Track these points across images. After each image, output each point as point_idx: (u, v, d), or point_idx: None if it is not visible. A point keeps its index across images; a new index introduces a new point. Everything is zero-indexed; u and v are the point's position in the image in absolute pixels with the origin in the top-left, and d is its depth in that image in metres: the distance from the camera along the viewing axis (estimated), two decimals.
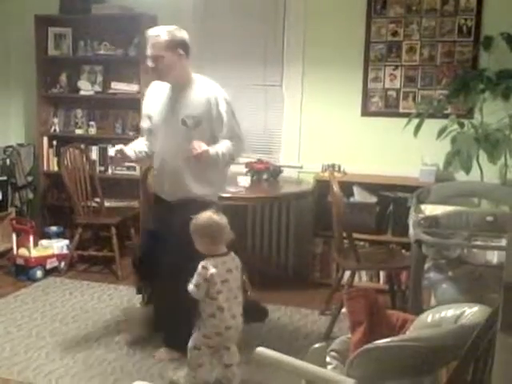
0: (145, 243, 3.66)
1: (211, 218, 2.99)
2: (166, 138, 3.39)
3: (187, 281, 2.94)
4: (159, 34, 3.27)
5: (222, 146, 3.29)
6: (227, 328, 2.98)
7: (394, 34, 4.60)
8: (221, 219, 3.00)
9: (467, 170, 3.86)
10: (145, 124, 3.54)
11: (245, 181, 4.38)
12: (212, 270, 2.92)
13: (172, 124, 3.35)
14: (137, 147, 3.54)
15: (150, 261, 3.46)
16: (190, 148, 3.17)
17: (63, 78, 5.29)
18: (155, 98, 3.48)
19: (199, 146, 3.16)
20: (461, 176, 4.13)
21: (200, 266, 2.93)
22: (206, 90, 3.36)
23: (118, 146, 3.42)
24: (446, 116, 4.21)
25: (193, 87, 3.38)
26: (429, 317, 2.14)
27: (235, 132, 3.37)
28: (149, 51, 3.28)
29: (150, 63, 3.30)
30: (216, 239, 2.99)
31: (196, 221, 2.99)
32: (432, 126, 4.06)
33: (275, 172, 4.66)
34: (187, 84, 3.38)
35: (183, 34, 3.34)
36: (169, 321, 3.42)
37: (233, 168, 4.78)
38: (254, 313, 4.06)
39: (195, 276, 2.93)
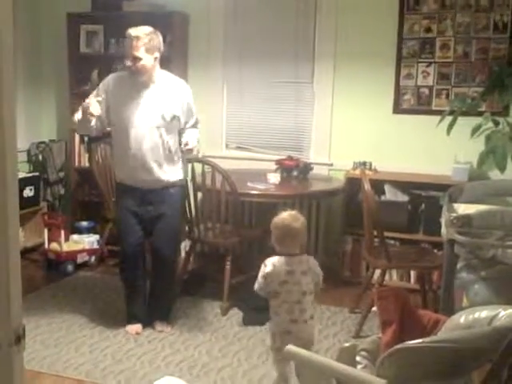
0: (130, 231, 3.69)
1: (291, 223, 2.88)
2: (142, 132, 3.55)
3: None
4: (141, 33, 3.47)
5: (195, 134, 3.71)
6: (286, 332, 2.84)
7: (428, 30, 4.53)
8: (301, 223, 2.91)
9: (502, 169, 3.78)
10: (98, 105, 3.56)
11: (274, 178, 4.37)
12: (268, 269, 2.85)
13: (149, 119, 3.55)
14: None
15: (139, 245, 3.72)
16: (181, 144, 3.60)
17: (94, 75, 5.32)
18: (119, 91, 3.60)
19: (188, 142, 3.57)
20: (495, 175, 4.06)
21: (263, 263, 2.89)
22: (176, 85, 3.68)
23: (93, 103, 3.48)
24: (480, 114, 4.13)
25: (164, 84, 3.63)
26: (462, 318, 2.10)
27: (197, 120, 3.80)
28: (130, 51, 3.47)
29: (129, 62, 3.51)
30: (286, 241, 2.88)
31: (278, 219, 2.91)
32: (466, 123, 3.98)
33: (305, 169, 4.63)
34: (159, 81, 3.63)
35: (160, 38, 3.58)
36: (165, 298, 3.84)
37: (263, 165, 4.82)
38: None
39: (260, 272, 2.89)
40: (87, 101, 3.51)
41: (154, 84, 3.61)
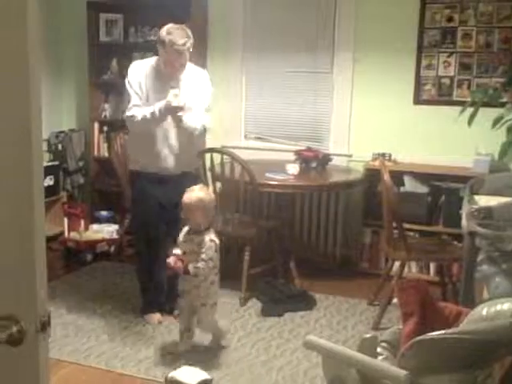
0: (151, 217, 3.68)
1: (211, 193, 3.35)
2: (170, 119, 3.52)
3: None
4: (186, 42, 3.40)
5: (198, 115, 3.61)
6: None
7: (449, 19, 4.47)
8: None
9: None
10: (139, 101, 3.54)
11: (293, 168, 4.35)
12: (217, 241, 3.20)
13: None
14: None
15: (158, 231, 3.70)
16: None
17: (114, 64, 5.34)
18: (145, 79, 3.55)
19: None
20: None
21: (208, 240, 3.15)
22: (197, 74, 3.69)
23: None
24: (502, 105, 4.08)
25: (188, 73, 3.60)
26: (484, 310, 2.08)
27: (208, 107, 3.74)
28: (175, 61, 3.43)
29: (171, 68, 3.47)
30: (212, 213, 3.30)
31: (202, 195, 3.21)
32: (487, 114, 3.93)
33: (324, 160, 4.61)
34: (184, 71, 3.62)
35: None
36: (172, 287, 3.74)
37: (281, 155, 4.81)
38: (301, 301, 4.05)
39: (206, 251, 3.12)
40: (159, 105, 3.42)
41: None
